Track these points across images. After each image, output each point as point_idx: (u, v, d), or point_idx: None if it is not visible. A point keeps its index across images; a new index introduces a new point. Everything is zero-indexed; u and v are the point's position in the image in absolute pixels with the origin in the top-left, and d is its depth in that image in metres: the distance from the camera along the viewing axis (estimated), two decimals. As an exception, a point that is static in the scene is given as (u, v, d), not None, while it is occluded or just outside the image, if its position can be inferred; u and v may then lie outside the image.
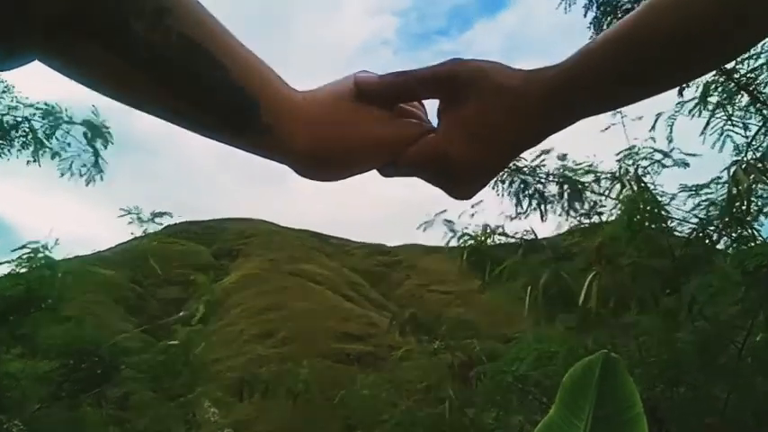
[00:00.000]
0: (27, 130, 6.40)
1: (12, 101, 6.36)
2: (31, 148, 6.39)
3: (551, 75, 0.52)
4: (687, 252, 4.39)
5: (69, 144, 6.52)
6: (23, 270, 6.63)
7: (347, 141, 0.53)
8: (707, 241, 4.34)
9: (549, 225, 5.62)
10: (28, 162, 6.38)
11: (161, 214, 8.31)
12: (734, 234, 4.18)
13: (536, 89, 0.52)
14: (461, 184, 0.57)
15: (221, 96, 0.46)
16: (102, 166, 6.59)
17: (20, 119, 6.34)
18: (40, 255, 6.55)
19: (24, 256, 6.58)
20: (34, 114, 6.43)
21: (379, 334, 16.11)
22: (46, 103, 6.43)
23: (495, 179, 5.17)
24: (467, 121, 0.53)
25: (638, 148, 4.78)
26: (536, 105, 0.52)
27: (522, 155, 5.10)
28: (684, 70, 0.51)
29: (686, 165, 4.67)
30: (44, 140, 6.42)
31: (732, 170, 3.88)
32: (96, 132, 6.43)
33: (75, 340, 7.47)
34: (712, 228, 4.31)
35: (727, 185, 4.11)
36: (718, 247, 4.41)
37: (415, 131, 0.56)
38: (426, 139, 0.56)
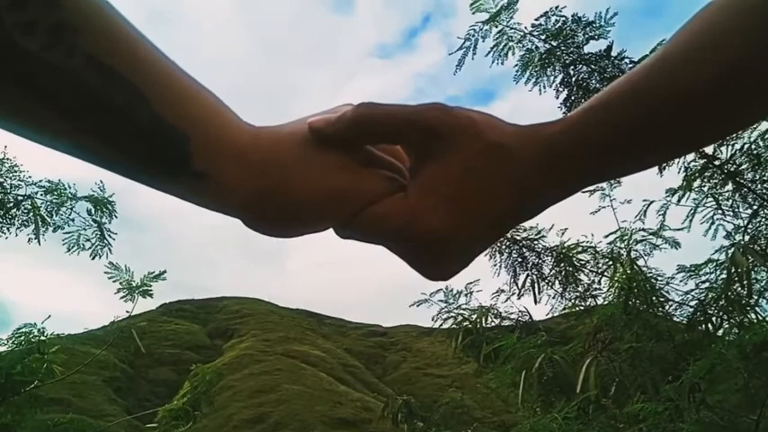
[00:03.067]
0: (29, 207, 6.39)
1: (15, 179, 6.39)
2: (32, 226, 6.35)
3: (552, 132, 0.44)
4: (687, 337, 4.27)
5: (73, 220, 6.48)
6: (6, 350, 6.42)
7: (295, 191, 0.43)
8: (708, 326, 4.22)
9: (544, 306, 5.52)
10: (29, 240, 6.31)
11: (155, 277, 8.04)
12: (735, 319, 4.07)
13: (534, 149, 0.43)
14: (433, 261, 0.47)
15: (142, 133, 0.37)
16: (108, 240, 6.48)
17: (22, 197, 6.34)
18: (30, 336, 6.37)
19: (13, 340, 6.39)
20: (37, 192, 6.43)
21: (373, 419, 15.51)
22: (49, 181, 6.46)
23: (492, 249, 5.16)
24: (446, 182, 0.44)
25: (629, 231, 4.77)
26: (533, 169, 0.43)
27: (521, 225, 5.19)
28: (710, 127, 0.43)
29: (677, 245, 4.64)
30: (46, 218, 6.40)
31: (730, 252, 3.83)
32: (101, 207, 6.41)
33: (56, 430, 7.12)
34: (711, 311, 4.22)
35: (722, 266, 4.06)
36: (720, 331, 4.29)
37: (378, 186, 0.46)
38: (393, 200, 0.45)
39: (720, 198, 4.10)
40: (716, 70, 0.39)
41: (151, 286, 6.90)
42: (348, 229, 0.47)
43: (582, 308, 5.22)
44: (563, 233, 5.25)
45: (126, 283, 6.78)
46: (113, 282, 6.91)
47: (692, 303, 4.40)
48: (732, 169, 3.90)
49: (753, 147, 3.75)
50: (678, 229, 4.50)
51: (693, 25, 0.42)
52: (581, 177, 0.44)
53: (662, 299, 4.46)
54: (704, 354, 4.06)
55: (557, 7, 3.78)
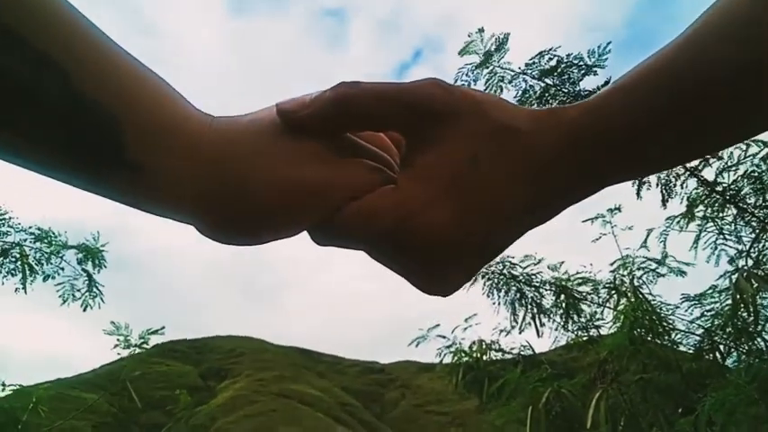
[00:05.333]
0: (17, 255, 6.25)
1: (4, 226, 6.26)
2: (20, 275, 6.20)
3: (573, 116, 0.35)
4: (695, 366, 4.16)
5: (63, 269, 6.34)
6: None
7: (258, 187, 0.35)
8: (716, 354, 4.12)
9: (546, 339, 5.41)
10: (16, 289, 6.15)
11: (153, 332, 7.88)
12: (744, 346, 3.97)
13: (553, 135, 0.35)
14: (432, 269, 0.37)
15: (57, 115, 0.29)
16: (96, 291, 6.35)
17: (10, 244, 6.21)
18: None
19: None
20: (26, 239, 6.30)
21: (372, 460, 15.11)
22: (39, 228, 6.34)
23: (490, 285, 5.06)
24: (447, 171, 0.36)
25: (632, 258, 4.70)
26: (552, 159, 0.35)
27: (514, 261, 5.10)
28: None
29: (683, 273, 4.56)
30: (34, 266, 6.26)
31: (734, 278, 3.76)
32: (91, 256, 6.28)
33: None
34: (718, 339, 4.12)
35: (727, 293, 3.98)
36: (729, 359, 4.19)
37: (362, 178, 0.37)
38: (381, 193, 0.37)
39: (723, 222, 4.04)
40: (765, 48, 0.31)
41: (149, 339, 6.81)
42: (326, 232, 0.38)
43: (585, 338, 5.11)
44: (561, 265, 5.17)
45: (124, 339, 6.66)
46: (112, 337, 6.80)
47: (699, 332, 4.31)
48: (733, 194, 3.85)
49: (755, 170, 3.71)
50: (686, 263, 4.43)
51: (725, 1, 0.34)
52: (607, 170, 0.36)
53: (668, 328, 4.36)
54: (714, 382, 3.95)
55: (551, 48, 3.76)
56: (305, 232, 0.39)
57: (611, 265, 4.81)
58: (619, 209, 4.75)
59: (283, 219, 0.36)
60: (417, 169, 0.37)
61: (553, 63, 3.80)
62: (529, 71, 3.90)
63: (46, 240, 6.28)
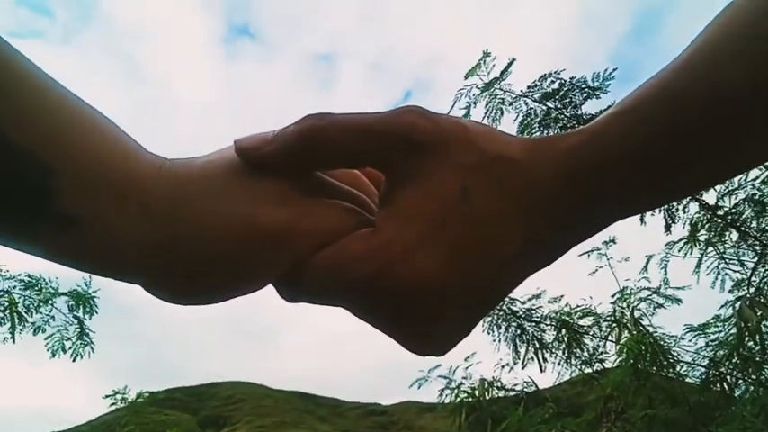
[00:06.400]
0: (6, 303, 6.13)
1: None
2: (8, 324, 6.08)
3: (572, 144, 0.32)
4: (702, 398, 4.06)
5: (53, 317, 6.22)
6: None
7: (211, 238, 0.30)
8: (723, 385, 4.03)
9: (549, 374, 5.30)
10: (4, 339, 6.02)
11: (152, 394, 7.79)
12: (752, 377, 3.88)
13: (551, 167, 0.31)
14: (422, 326, 0.32)
15: None
16: (88, 340, 6.22)
17: (-1, 292, 6.10)
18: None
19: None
20: (15, 287, 6.20)
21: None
22: (29, 275, 6.23)
23: (489, 322, 4.98)
24: (434, 209, 0.31)
25: (631, 290, 4.63)
26: (550, 190, 0.31)
27: (514, 296, 5.05)
28: None
29: (678, 301, 4.49)
30: (24, 314, 6.14)
31: (737, 306, 3.70)
32: (83, 303, 6.18)
33: None
34: (725, 370, 4.04)
35: (729, 322, 3.92)
36: (737, 391, 4.10)
37: (333, 220, 0.33)
38: (357, 238, 0.32)
39: (725, 246, 4.00)
40: None
41: (147, 395, 6.70)
42: (293, 286, 0.33)
43: (589, 372, 5.01)
44: (561, 298, 5.10)
45: (121, 399, 6.54)
46: (106, 387, 6.66)
47: (704, 363, 4.22)
48: (735, 218, 3.81)
49: (757, 193, 3.68)
50: (681, 288, 4.37)
51: (733, 13, 0.31)
52: (612, 203, 0.32)
53: (672, 360, 4.27)
54: (722, 414, 3.85)
55: (555, 72, 3.74)
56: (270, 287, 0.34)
57: (613, 297, 4.75)
58: (614, 241, 4.70)
59: (242, 274, 0.31)
60: (399, 208, 0.32)
61: (555, 86, 3.77)
62: (530, 94, 3.87)
63: (36, 288, 6.19)
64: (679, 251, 4.14)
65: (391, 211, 0.32)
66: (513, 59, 3.72)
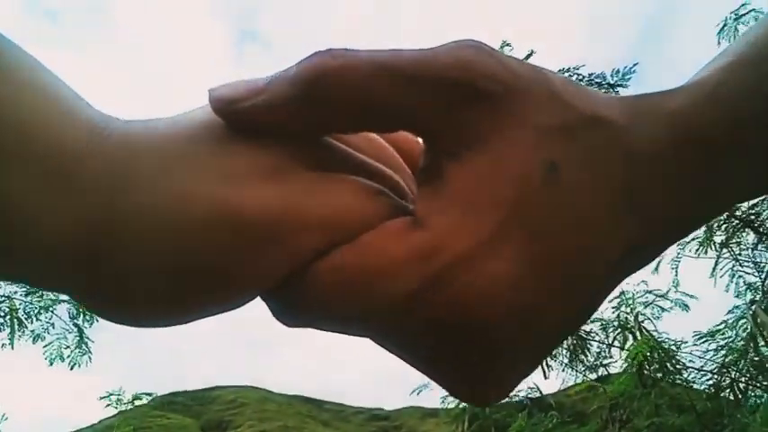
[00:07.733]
0: (7, 309, 6.11)
1: (-9, 278, 6.12)
2: (8, 330, 6.05)
3: (679, 105, 0.23)
4: (711, 405, 3.97)
5: (53, 325, 6.18)
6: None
7: (171, 225, 0.20)
8: (733, 392, 3.95)
9: (554, 380, 5.23)
10: (3, 345, 5.98)
11: (141, 396, 7.80)
12: (763, 383, 3.80)
13: (657, 133, 0.22)
14: (489, 365, 0.22)
15: None
16: (86, 348, 6.18)
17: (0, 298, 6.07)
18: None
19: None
20: (16, 292, 6.16)
21: None
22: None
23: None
24: (505, 191, 0.21)
25: (633, 294, 4.55)
26: (660, 166, 0.22)
27: None
28: None
29: (686, 307, 4.40)
30: (24, 321, 6.11)
31: (752, 309, 3.62)
32: (82, 311, 6.15)
33: None
34: (734, 377, 3.95)
35: (739, 326, 3.83)
36: (747, 397, 4.02)
37: (354, 207, 0.22)
38: (389, 234, 0.21)
39: (741, 248, 3.91)
40: None
41: (142, 398, 6.71)
42: (294, 302, 0.22)
43: (594, 379, 4.93)
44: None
45: (117, 400, 6.55)
46: (106, 405, 6.71)
47: (712, 369, 4.14)
48: (753, 218, 3.72)
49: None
50: (690, 296, 4.29)
51: None
52: (733, 180, 0.23)
53: (678, 367, 4.19)
54: (732, 422, 3.77)
55: (573, 67, 3.65)
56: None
57: (610, 301, 4.67)
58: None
59: (214, 281, 0.21)
60: (452, 192, 0.21)
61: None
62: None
63: (37, 294, 6.15)
64: (694, 252, 4.04)
65: (440, 197, 0.21)
66: (533, 51, 3.65)
